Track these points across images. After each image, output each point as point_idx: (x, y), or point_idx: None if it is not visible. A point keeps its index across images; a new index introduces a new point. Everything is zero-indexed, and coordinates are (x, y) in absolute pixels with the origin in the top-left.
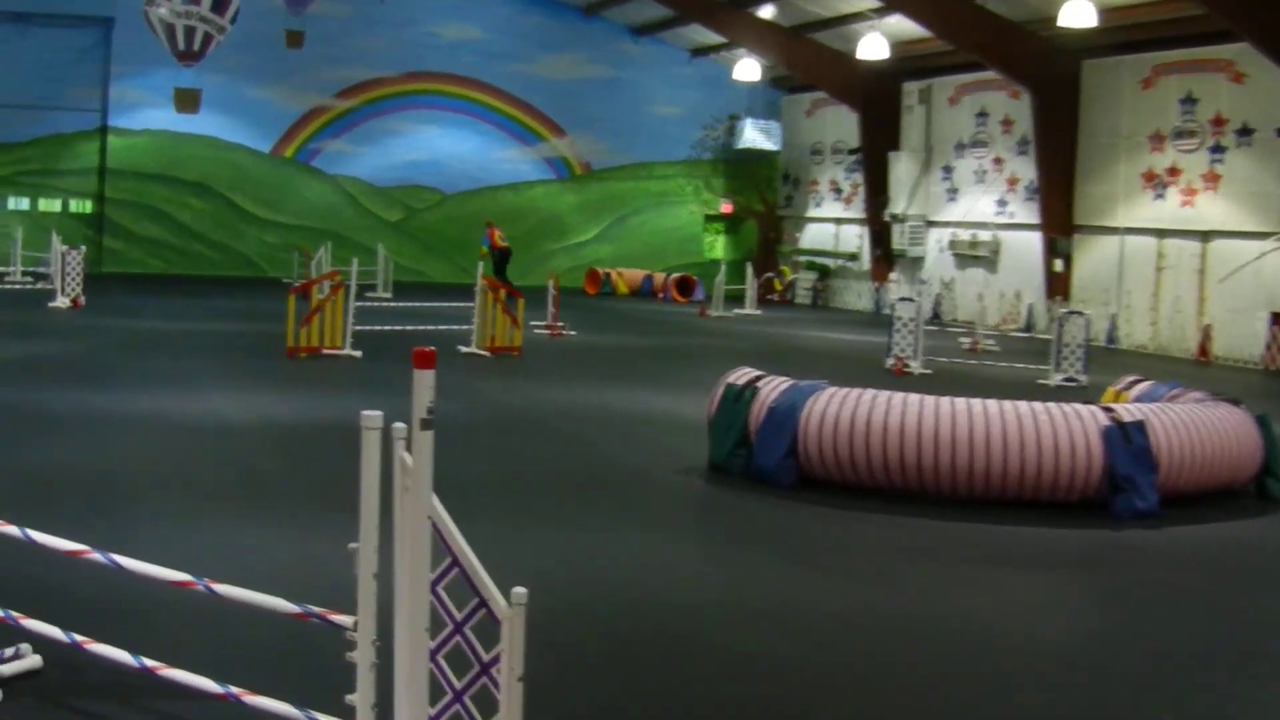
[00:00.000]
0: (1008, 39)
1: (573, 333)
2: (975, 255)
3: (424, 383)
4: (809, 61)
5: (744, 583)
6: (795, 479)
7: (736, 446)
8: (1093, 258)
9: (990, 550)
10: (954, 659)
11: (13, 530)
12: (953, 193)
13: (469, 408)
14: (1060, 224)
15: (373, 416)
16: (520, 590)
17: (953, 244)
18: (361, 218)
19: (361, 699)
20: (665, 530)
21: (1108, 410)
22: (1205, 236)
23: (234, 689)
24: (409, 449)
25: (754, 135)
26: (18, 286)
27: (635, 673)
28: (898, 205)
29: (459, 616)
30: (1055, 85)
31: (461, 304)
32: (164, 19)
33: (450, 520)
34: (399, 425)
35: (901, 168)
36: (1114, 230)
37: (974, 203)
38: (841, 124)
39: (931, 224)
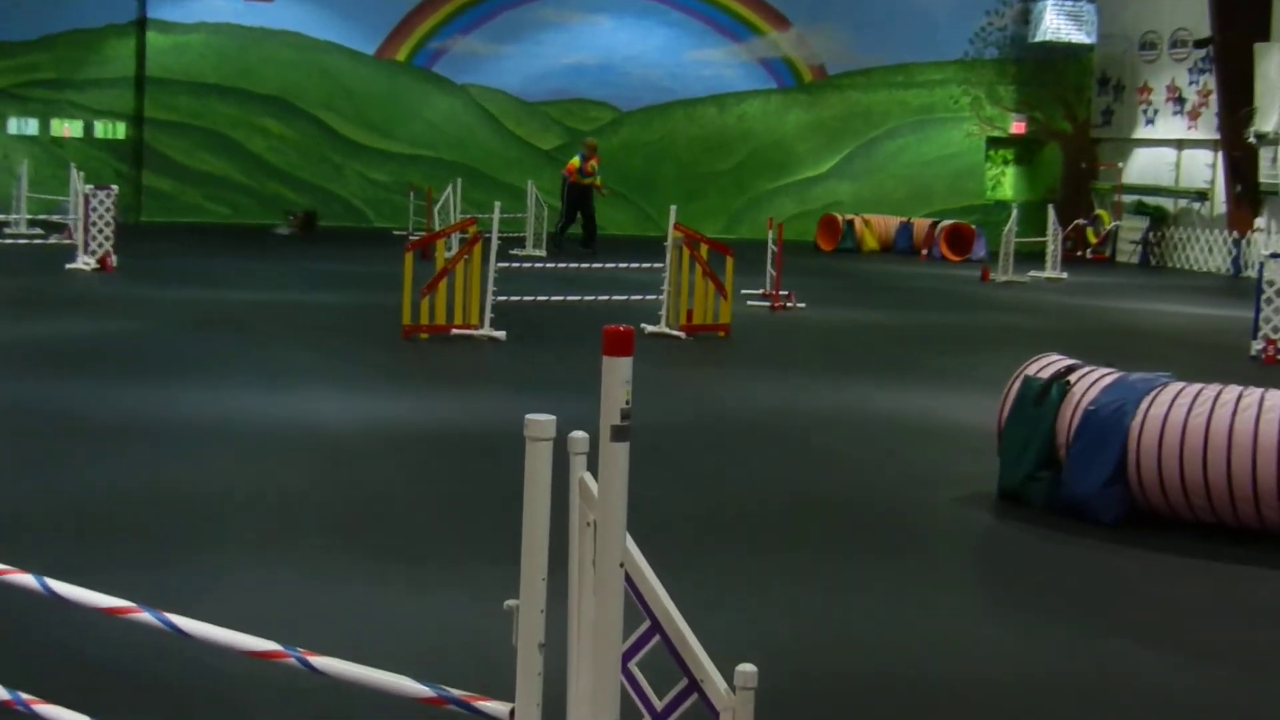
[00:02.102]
0: None
1: (802, 305)
2: None
3: (617, 375)
4: None
5: (1049, 657)
6: (1123, 512)
7: (1039, 467)
8: None
9: None
10: None
11: (28, 580)
12: None
13: (664, 410)
14: None
15: (541, 422)
16: (748, 669)
17: None
18: (505, 145)
19: None
20: (939, 583)
21: None
22: None
23: None
24: (593, 469)
25: (1057, 23)
26: (23, 241)
27: None
28: (1267, 121)
29: (660, 706)
30: None
31: (646, 265)
32: None
33: (649, 568)
34: (578, 435)
35: (1273, 65)
36: None
37: None
38: (1184, 4)
39: None
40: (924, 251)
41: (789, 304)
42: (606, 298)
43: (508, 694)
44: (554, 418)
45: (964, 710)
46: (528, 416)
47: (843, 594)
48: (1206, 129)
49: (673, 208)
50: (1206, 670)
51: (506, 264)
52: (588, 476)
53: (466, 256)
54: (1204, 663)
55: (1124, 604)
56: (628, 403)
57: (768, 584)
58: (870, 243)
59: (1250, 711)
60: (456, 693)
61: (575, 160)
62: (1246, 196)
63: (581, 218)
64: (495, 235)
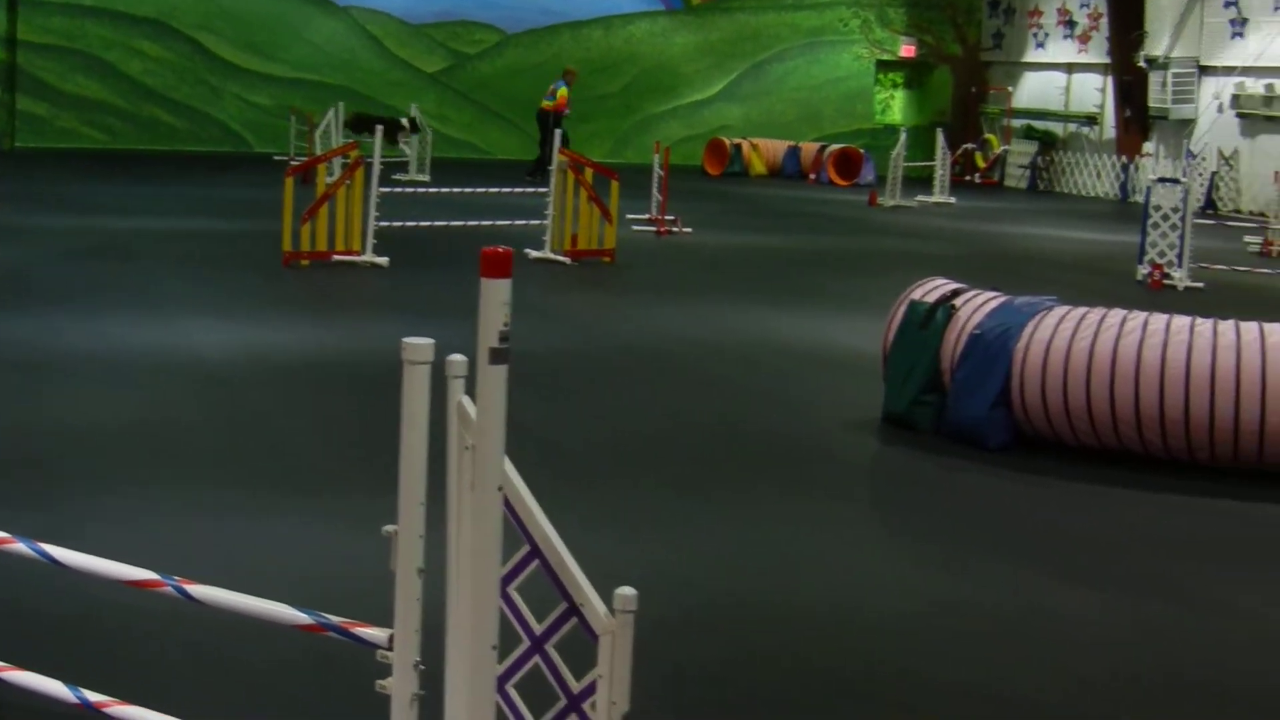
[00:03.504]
0: None
1: (688, 230)
2: (1271, 116)
3: (496, 297)
4: None
5: (942, 585)
6: (1008, 438)
7: (924, 391)
8: None
9: None
10: (1244, 693)
11: None
12: (1239, 25)
13: (543, 337)
14: None
15: (419, 345)
16: (627, 592)
17: (1238, 100)
18: (388, 68)
19: None
20: (826, 510)
21: None
22: None
23: None
24: (471, 391)
25: None
26: None
27: (786, 711)
28: (1157, 44)
29: (539, 630)
30: None
31: (530, 190)
32: None
33: (529, 494)
34: (456, 357)
35: None
36: None
37: (1271, 40)
38: None
39: (1207, 71)
40: (812, 176)
41: (675, 228)
42: (490, 222)
43: (387, 620)
44: (432, 341)
45: (855, 639)
46: (405, 340)
47: (730, 520)
48: (1097, 53)
49: (558, 131)
50: (1097, 596)
51: (389, 189)
52: (466, 400)
53: (348, 182)
54: (1097, 587)
55: (1016, 531)
56: (506, 325)
57: (654, 510)
58: (758, 167)
59: (1149, 638)
60: (335, 619)
61: (564, 91)
62: (1136, 121)
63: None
64: (377, 160)
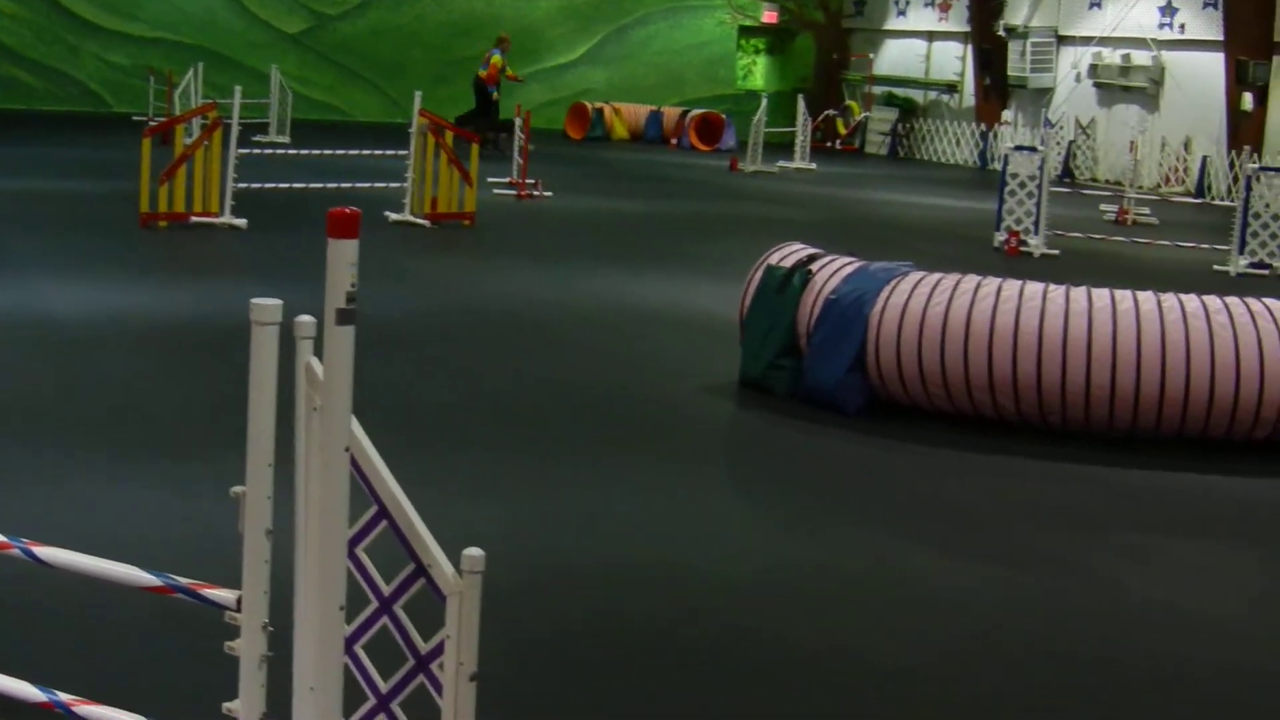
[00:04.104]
0: None
1: (549, 194)
2: (1127, 86)
3: (343, 258)
4: None
5: (796, 549)
6: (863, 402)
7: (780, 356)
8: None
9: (1147, 507)
10: (1101, 661)
11: None
12: None
13: (402, 300)
14: (1253, 41)
15: (267, 306)
16: (474, 553)
17: (1095, 70)
18: (248, 28)
19: (246, 707)
20: (679, 474)
21: None
22: None
23: (63, 696)
24: (319, 353)
25: None
26: None
27: (638, 673)
28: (1016, 14)
29: (387, 591)
30: None
31: (390, 152)
32: None
33: (378, 455)
34: (305, 318)
35: None
36: None
37: (1127, 10)
38: None
39: (1065, 41)
40: (674, 140)
41: (535, 192)
42: (350, 185)
43: (235, 581)
44: (280, 302)
45: (707, 602)
46: (253, 301)
47: (582, 483)
48: (957, 21)
49: (417, 93)
50: (950, 561)
51: (248, 150)
52: (314, 361)
53: (206, 143)
54: (950, 553)
55: (873, 496)
56: (354, 286)
57: (506, 473)
58: (620, 131)
59: (1006, 604)
60: (183, 581)
61: (498, 59)
62: (995, 89)
63: (486, 112)
64: (236, 120)
